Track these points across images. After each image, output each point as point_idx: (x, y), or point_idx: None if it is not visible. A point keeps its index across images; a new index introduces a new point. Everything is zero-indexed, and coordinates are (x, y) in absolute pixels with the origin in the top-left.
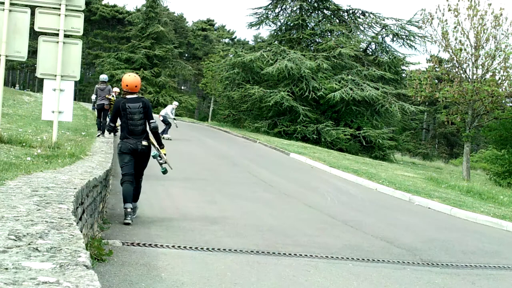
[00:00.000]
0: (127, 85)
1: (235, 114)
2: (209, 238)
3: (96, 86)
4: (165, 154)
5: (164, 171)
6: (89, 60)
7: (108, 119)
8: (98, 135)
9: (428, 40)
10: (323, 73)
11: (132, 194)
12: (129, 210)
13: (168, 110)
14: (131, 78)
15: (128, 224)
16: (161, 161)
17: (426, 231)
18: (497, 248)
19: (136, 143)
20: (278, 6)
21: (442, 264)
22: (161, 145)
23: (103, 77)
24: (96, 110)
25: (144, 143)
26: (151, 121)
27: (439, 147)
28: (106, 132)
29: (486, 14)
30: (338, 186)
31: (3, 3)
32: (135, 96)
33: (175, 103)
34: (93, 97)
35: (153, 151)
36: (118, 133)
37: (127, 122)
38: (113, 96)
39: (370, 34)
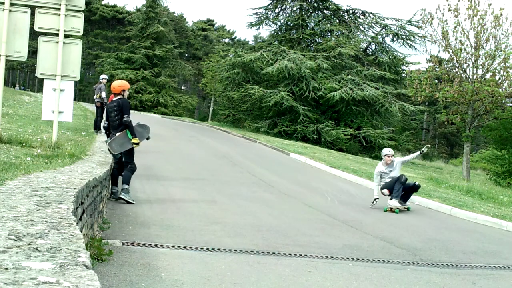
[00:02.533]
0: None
1: (235, 114)
2: (209, 238)
3: None
4: (137, 144)
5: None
6: (89, 60)
7: (99, 117)
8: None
9: (428, 40)
10: (323, 73)
11: (117, 177)
12: (113, 191)
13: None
14: (113, 82)
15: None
16: (108, 147)
17: (426, 231)
18: (497, 248)
19: (113, 136)
20: (278, 6)
21: (442, 264)
22: (133, 135)
23: (100, 76)
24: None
25: (118, 134)
26: (125, 116)
27: (439, 147)
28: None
29: (486, 14)
30: (338, 186)
31: (3, 3)
32: (116, 98)
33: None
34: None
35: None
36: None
37: (109, 119)
38: (99, 94)
39: (370, 34)
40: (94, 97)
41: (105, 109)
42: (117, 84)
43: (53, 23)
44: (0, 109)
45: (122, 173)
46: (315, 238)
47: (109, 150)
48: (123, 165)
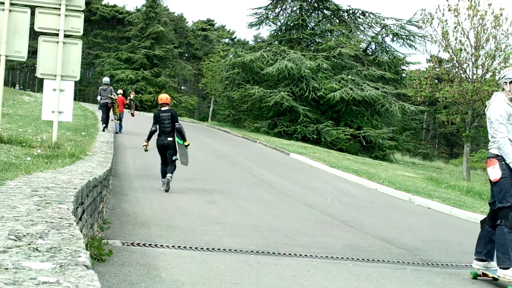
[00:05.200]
0: (160, 100)
1: (235, 114)
2: (209, 238)
3: (100, 87)
4: (188, 145)
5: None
6: (89, 60)
7: (112, 116)
8: (103, 130)
9: (428, 40)
10: (323, 73)
11: (165, 171)
12: (164, 180)
13: None
14: (161, 96)
15: (166, 191)
16: (176, 160)
17: (426, 231)
18: None
19: (163, 140)
20: (278, 6)
21: (442, 264)
22: (184, 139)
23: (105, 79)
24: (100, 108)
25: (170, 139)
26: (176, 123)
27: (439, 147)
28: (111, 127)
29: (486, 14)
30: (338, 186)
31: (3, 3)
32: (166, 108)
33: None
34: (98, 98)
35: (175, 156)
36: (119, 134)
37: (160, 126)
38: (114, 96)
39: (370, 34)
40: (103, 98)
41: (154, 117)
42: (165, 97)
43: (53, 23)
44: (0, 109)
45: (168, 167)
46: (315, 238)
47: (170, 165)
48: (167, 161)
